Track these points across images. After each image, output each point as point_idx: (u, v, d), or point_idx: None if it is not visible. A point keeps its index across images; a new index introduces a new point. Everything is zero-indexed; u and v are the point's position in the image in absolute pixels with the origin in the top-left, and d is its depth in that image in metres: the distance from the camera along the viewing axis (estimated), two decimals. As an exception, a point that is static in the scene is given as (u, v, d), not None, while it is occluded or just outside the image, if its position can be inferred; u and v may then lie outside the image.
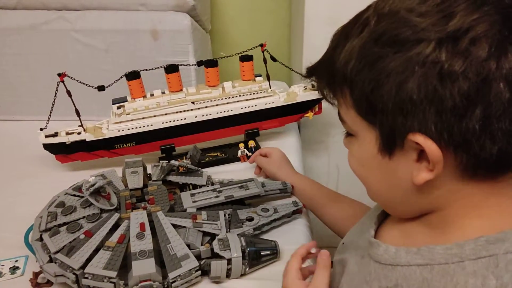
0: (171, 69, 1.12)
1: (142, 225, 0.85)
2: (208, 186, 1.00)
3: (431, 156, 0.45)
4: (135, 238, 0.83)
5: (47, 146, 1.13)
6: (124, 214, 0.89)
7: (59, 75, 1.08)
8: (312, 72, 0.59)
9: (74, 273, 0.79)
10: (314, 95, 1.23)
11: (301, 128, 1.49)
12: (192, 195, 0.97)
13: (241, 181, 1.02)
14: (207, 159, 1.22)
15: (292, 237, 0.94)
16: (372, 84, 0.47)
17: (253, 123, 1.22)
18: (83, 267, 0.79)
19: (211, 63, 1.15)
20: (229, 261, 0.82)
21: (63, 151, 1.14)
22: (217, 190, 0.98)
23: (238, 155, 1.22)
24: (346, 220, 0.89)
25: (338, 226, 0.94)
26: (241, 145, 1.23)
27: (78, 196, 0.96)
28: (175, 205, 0.94)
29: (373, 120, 0.50)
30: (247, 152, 1.23)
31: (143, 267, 0.79)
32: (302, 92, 1.23)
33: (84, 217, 0.88)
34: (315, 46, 1.30)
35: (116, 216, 0.88)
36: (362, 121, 0.51)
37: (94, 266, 0.79)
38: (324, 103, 1.28)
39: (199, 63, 1.16)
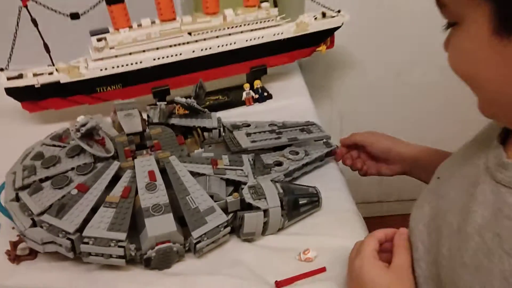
0: (162, -10, 0.92)
1: (151, 174, 0.67)
2: (255, 127, 0.86)
3: None
4: (145, 190, 0.65)
5: (10, 91, 0.91)
6: (124, 163, 0.70)
7: (21, -3, 0.85)
8: None
9: (69, 238, 0.60)
10: (327, 24, 1.06)
11: (302, 71, 1.33)
12: (248, 134, 0.81)
13: (299, 123, 0.89)
14: (207, 103, 1.04)
15: (327, 184, 0.79)
16: None
17: (260, 59, 1.04)
18: (80, 229, 0.60)
19: (210, -16, 0.95)
20: (266, 212, 0.66)
21: (32, 96, 0.93)
22: (276, 131, 0.83)
23: (243, 98, 1.06)
24: None
25: None
26: (246, 86, 1.05)
27: (59, 146, 0.76)
28: (229, 144, 0.79)
29: None
30: (253, 94, 1.05)
31: (160, 225, 0.61)
32: (314, 21, 1.05)
33: (73, 168, 0.69)
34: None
35: (115, 164, 0.69)
36: None
37: (95, 227, 0.61)
38: (336, 36, 1.11)
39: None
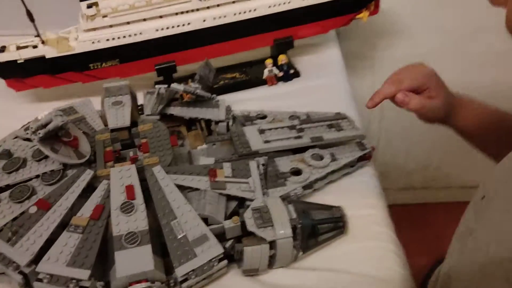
0: None
1: (129, 190, 0.53)
2: (272, 119, 0.72)
3: None
4: (119, 211, 0.52)
5: (-8, 66, 0.79)
6: (101, 170, 0.57)
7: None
8: None
9: (21, 272, 0.48)
10: (371, -14, 0.86)
11: (340, 40, 1.14)
12: (261, 131, 0.67)
13: (327, 116, 0.72)
14: (221, 82, 0.89)
15: (357, 198, 0.63)
16: None
17: (285, 29, 0.88)
18: (36, 261, 0.48)
19: None
20: (273, 244, 0.52)
21: (16, 73, 0.81)
22: (297, 127, 0.68)
23: (264, 76, 0.90)
24: None
25: None
26: (269, 62, 0.89)
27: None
28: (236, 145, 0.64)
29: None
30: (277, 72, 0.89)
31: (134, 262, 0.49)
32: (354, -18, 0.86)
33: (38, 176, 0.57)
34: None
35: (88, 174, 0.56)
36: None
37: (53, 260, 0.49)
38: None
39: None
